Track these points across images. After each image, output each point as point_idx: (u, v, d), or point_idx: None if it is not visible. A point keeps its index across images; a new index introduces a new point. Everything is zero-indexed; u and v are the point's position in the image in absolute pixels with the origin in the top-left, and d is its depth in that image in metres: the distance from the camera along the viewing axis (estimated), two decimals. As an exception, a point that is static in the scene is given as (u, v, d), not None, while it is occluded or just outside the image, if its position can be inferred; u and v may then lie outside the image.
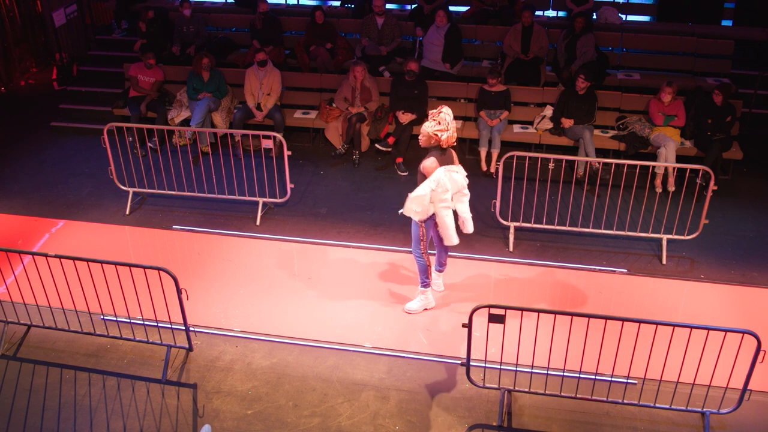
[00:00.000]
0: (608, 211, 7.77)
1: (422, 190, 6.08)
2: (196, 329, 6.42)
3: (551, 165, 8.63)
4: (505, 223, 7.78)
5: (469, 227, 6.39)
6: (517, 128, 9.54)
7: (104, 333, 6.27)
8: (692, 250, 7.60)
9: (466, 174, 6.28)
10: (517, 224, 7.77)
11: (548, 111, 9.47)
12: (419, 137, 6.22)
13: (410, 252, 7.20)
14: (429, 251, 6.51)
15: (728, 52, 10.30)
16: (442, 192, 6.04)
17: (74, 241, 7.87)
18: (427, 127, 6.07)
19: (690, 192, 7.82)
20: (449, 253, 6.91)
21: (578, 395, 5.54)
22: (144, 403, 5.75)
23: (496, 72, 9.27)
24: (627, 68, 10.41)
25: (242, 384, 5.92)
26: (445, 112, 6.07)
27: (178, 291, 5.63)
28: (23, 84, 12.65)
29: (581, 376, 5.56)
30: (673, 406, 5.42)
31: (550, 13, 11.96)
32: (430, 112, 6.16)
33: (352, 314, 6.70)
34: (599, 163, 8.45)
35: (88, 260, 5.77)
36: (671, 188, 8.56)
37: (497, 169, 7.56)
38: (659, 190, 8.60)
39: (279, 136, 8.31)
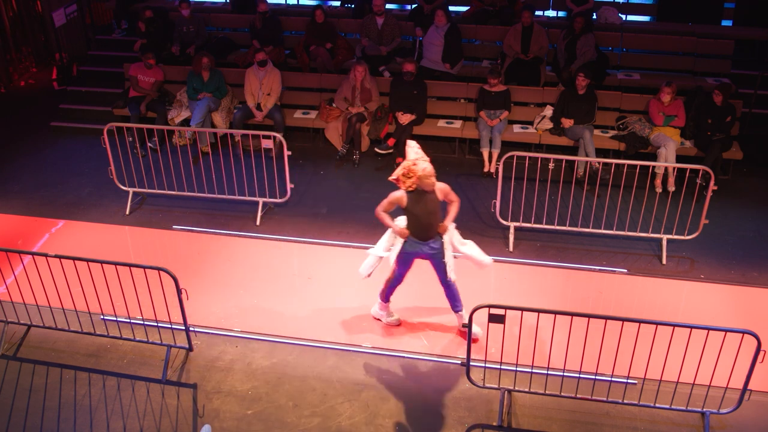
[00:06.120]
0: (608, 211, 7.77)
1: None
2: (196, 329, 6.42)
3: (551, 165, 8.63)
4: (505, 223, 7.78)
5: None
6: (517, 128, 9.54)
7: (104, 333, 6.27)
8: (692, 250, 7.60)
9: None
10: (517, 224, 7.76)
11: (548, 111, 9.47)
12: None
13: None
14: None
15: (728, 52, 10.29)
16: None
17: (74, 241, 7.87)
18: None
19: (690, 192, 7.81)
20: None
21: (578, 395, 5.54)
22: (144, 403, 5.75)
23: (496, 72, 9.27)
24: (627, 68, 10.40)
25: (242, 384, 5.92)
26: None
27: (178, 291, 5.63)
28: (23, 84, 12.65)
29: (581, 376, 5.56)
30: (673, 406, 5.42)
31: (550, 13, 11.96)
32: None
33: (352, 314, 6.70)
34: (599, 163, 8.44)
35: (88, 260, 5.77)
36: (671, 188, 8.55)
37: (497, 169, 7.56)
38: (659, 190, 8.60)
39: (279, 136, 8.31)
